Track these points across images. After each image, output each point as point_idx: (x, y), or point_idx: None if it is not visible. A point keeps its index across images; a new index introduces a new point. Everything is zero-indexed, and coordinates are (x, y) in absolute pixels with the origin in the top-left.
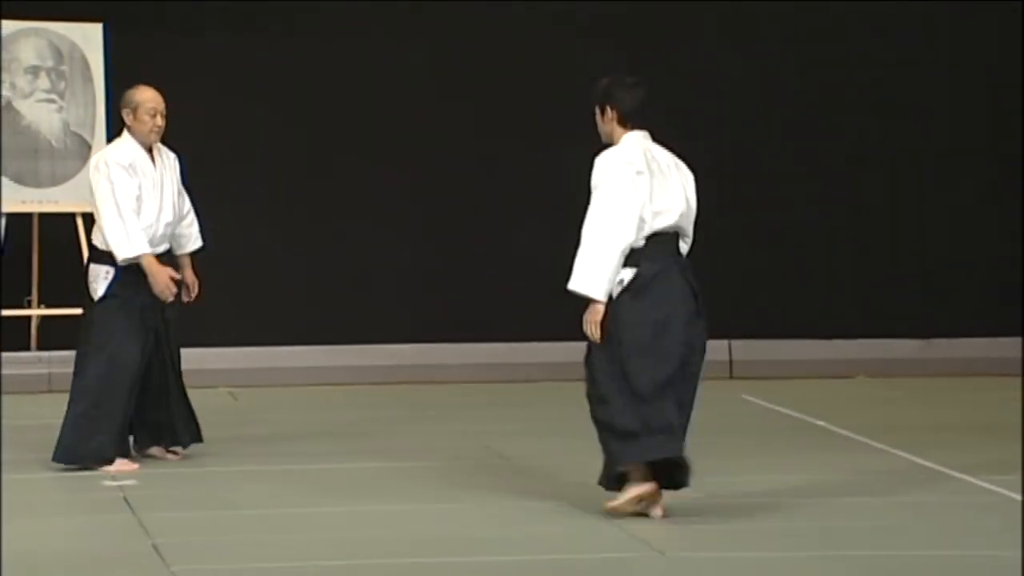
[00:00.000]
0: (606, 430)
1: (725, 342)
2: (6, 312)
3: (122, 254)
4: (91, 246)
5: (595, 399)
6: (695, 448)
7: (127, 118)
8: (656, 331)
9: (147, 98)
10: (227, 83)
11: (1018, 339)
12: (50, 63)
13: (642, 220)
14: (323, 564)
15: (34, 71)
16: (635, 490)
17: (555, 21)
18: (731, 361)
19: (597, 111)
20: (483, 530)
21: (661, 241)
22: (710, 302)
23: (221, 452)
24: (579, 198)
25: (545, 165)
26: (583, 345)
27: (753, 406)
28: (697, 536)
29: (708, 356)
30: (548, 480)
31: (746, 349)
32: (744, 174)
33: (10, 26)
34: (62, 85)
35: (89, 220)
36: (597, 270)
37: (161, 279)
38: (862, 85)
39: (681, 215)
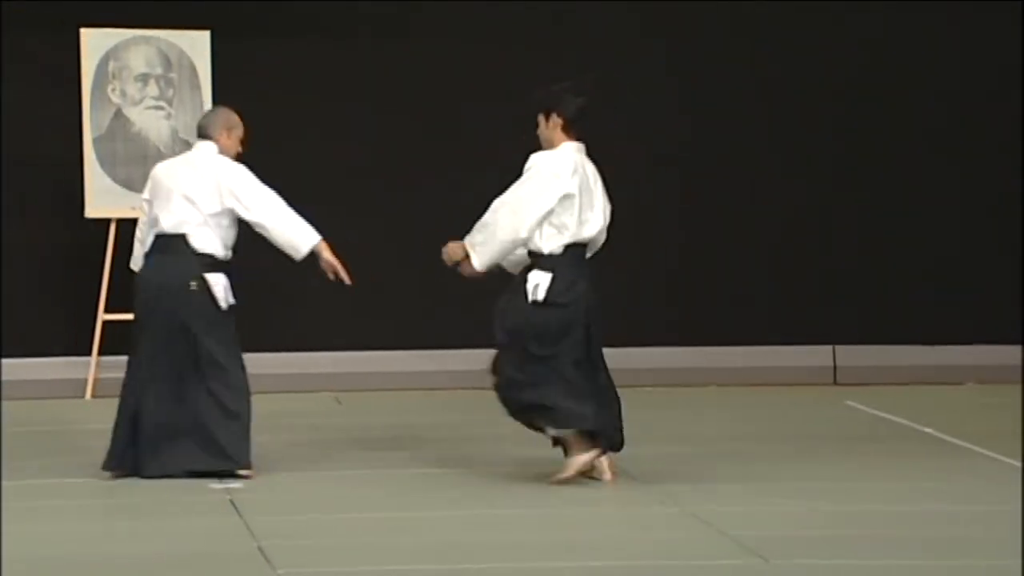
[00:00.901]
0: (538, 408)
1: (829, 347)
2: (115, 316)
3: (308, 245)
4: (205, 256)
5: (519, 385)
6: (798, 454)
7: (221, 134)
8: (563, 332)
9: (241, 125)
10: (328, 89)
11: None
12: (159, 70)
13: (564, 228)
14: (428, 568)
15: (143, 79)
16: (581, 458)
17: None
18: (835, 367)
19: (541, 117)
20: (585, 535)
21: (577, 251)
22: (814, 308)
23: (326, 456)
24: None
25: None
26: (683, 350)
27: (858, 412)
28: (801, 543)
29: (813, 362)
30: (645, 486)
31: (851, 355)
32: (847, 179)
33: (121, 34)
34: (170, 92)
35: None
36: (492, 249)
37: (333, 263)
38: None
39: (599, 230)
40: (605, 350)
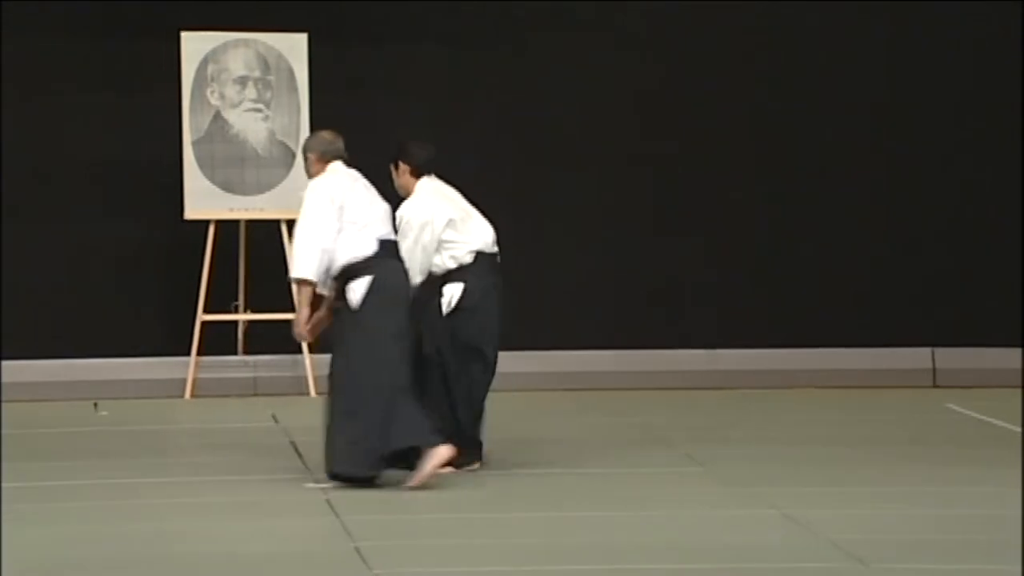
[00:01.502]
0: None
1: (928, 350)
2: (213, 317)
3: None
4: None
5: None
6: (897, 457)
7: (317, 161)
8: (477, 339)
9: None
10: (423, 91)
11: None
12: (257, 73)
13: (452, 243)
14: (522, 570)
15: (242, 81)
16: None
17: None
18: (934, 370)
19: (392, 168)
20: (688, 538)
21: (484, 260)
22: (912, 310)
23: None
24: None
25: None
26: (779, 352)
27: (958, 415)
28: (900, 547)
29: (912, 365)
30: (742, 489)
31: (950, 357)
32: (943, 179)
33: (220, 37)
34: (268, 95)
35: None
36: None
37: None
38: None
39: (492, 236)
40: (706, 351)
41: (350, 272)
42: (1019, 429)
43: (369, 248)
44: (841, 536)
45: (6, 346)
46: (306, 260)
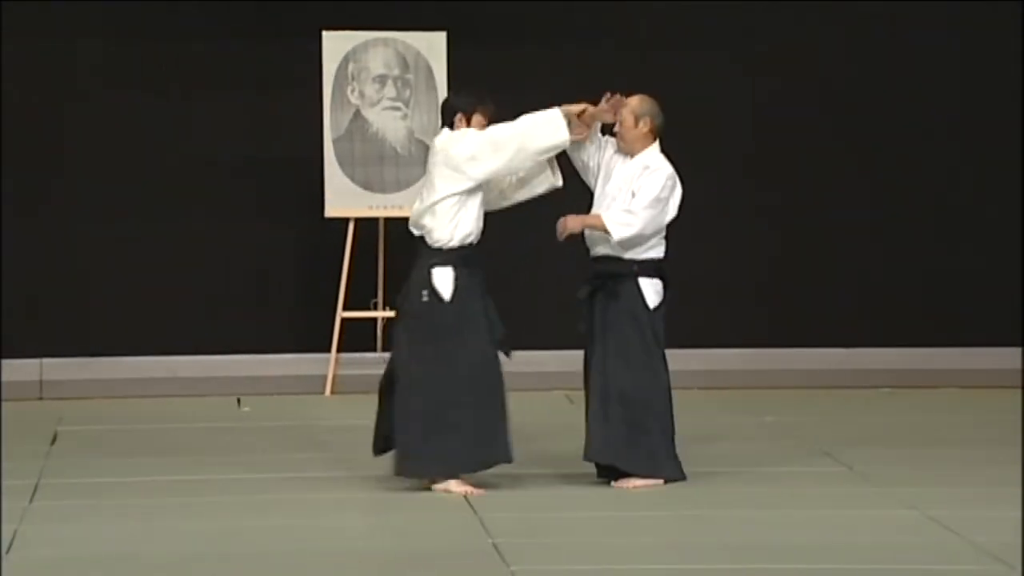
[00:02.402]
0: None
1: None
2: (353, 314)
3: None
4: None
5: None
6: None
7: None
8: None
9: None
10: (560, 92)
11: None
12: (396, 72)
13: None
14: (658, 568)
15: (381, 80)
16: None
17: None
18: None
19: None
20: (822, 537)
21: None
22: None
23: (557, 456)
24: None
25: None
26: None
27: None
28: None
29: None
30: (882, 488)
31: None
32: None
33: (360, 36)
34: (407, 93)
35: None
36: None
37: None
38: None
39: None
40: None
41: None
42: None
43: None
44: (985, 538)
45: (152, 342)
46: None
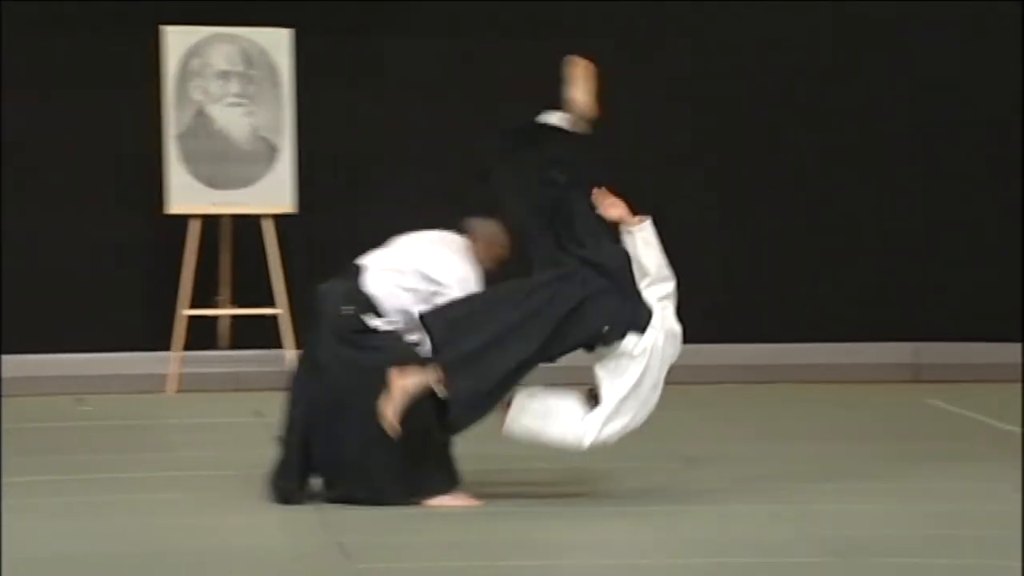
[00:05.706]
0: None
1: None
2: (196, 311)
3: None
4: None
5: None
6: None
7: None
8: None
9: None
10: (410, 86)
11: None
12: (240, 68)
13: None
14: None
15: (225, 76)
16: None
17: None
18: None
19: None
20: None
21: None
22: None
23: None
24: None
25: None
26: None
27: (940, 410)
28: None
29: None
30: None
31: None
32: (939, 174)
33: (203, 32)
34: (251, 89)
35: (279, 222)
36: None
37: None
38: None
39: None
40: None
41: None
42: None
43: None
44: (830, 533)
45: None
46: None
